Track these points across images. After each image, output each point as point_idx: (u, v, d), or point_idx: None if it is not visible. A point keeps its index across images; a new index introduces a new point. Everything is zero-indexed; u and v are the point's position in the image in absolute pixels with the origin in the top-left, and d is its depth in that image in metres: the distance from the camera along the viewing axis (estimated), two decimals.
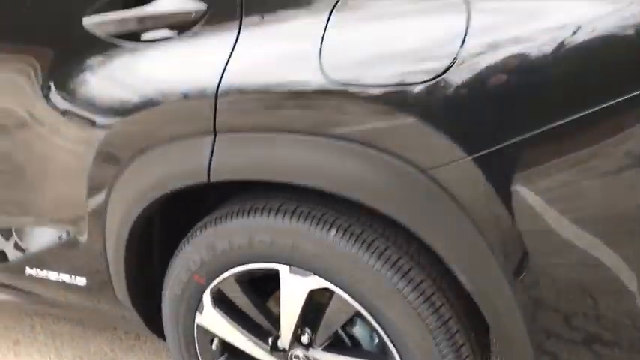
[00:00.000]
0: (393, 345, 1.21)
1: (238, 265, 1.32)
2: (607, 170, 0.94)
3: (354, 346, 1.34)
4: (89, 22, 1.28)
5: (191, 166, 1.25)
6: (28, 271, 1.65)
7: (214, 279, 1.36)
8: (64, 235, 1.54)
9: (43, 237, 1.61)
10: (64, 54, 1.36)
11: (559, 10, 0.93)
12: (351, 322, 1.31)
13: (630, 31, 0.88)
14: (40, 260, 1.62)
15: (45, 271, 1.62)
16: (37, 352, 2.06)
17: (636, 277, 0.97)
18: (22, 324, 2.17)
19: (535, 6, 0.95)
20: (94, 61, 1.32)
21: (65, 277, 1.59)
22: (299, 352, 1.36)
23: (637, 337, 1.02)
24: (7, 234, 1.68)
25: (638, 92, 0.87)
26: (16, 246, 1.67)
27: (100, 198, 1.39)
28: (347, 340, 1.34)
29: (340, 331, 1.33)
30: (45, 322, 2.17)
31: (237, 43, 1.15)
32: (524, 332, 1.08)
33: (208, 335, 1.46)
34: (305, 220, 1.21)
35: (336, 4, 1.06)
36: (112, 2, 1.27)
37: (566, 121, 0.92)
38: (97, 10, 1.27)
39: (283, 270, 1.27)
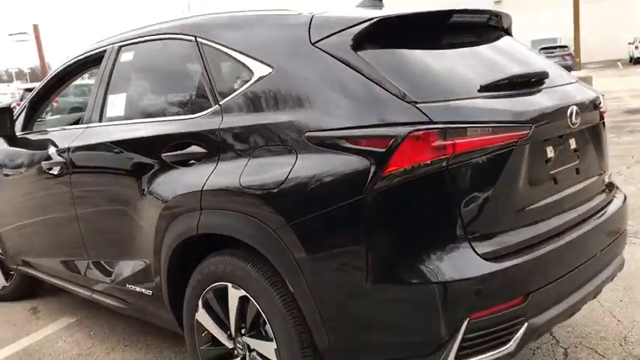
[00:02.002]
0: (270, 324, 2.22)
1: (212, 282, 2.44)
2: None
3: (263, 334, 2.34)
4: (166, 156, 2.58)
5: (191, 225, 2.45)
6: (128, 286, 2.94)
7: (203, 291, 2.49)
8: (144, 264, 2.82)
9: (135, 266, 2.90)
10: (153, 172, 2.67)
11: None
12: (260, 320, 2.33)
13: None
14: (133, 279, 2.91)
15: (134, 286, 2.90)
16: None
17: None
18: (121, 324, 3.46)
19: None
20: (166, 172, 2.61)
21: (143, 290, 2.85)
22: (239, 338, 2.41)
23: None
24: (118, 265, 3.01)
25: None
26: (121, 271, 2.99)
27: (158, 242, 2.63)
28: (262, 331, 2.35)
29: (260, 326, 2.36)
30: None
31: (215, 170, 2.36)
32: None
33: (201, 327, 2.57)
34: (236, 259, 2.32)
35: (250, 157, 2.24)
36: (177, 145, 2.56)
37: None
38: (170, 151, 2.56)
39: (229, 286, 2.37)
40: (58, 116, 4.06)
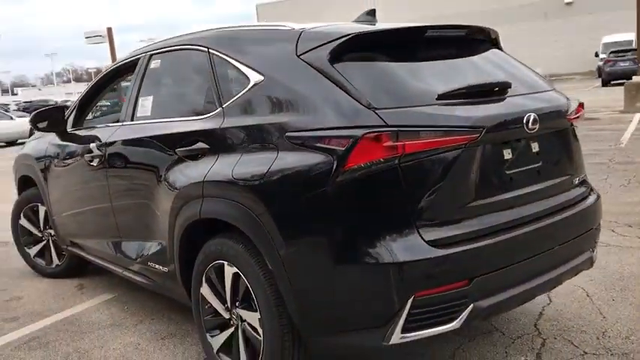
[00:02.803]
0: (255, 297, 2.57)
1: (213, 261, 2.83)
2: None
3: (251, 306, 2.69)
4: (179, 151, 2.99)
5: (195, 210, 2.84)
6: (150, 264, 3.37)
7: (206, 268, 2.88)
8: (161, 245, 3.24)
9: (155, 247, 3.33)
10: (169, 164, 3.08)
11: None
12: (249, 293, 2.69)
13: None
14: (154, 258, 3.33)
15: (156, 264, 3.33)
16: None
17: None
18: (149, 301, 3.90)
19: None
20: (178, 164, 3.02)
21: (161, 267, 3.27)
22: (234, 310, 2.79)
23: None
24: (140, 245, 3.45)
25: None
26: (144, 251, 3.43)
27: (172, 223, 3.04)
28: (251, 303, 2.70)
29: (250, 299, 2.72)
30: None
31: (215, 163, 2.74)
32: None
33: (205, 300, 2.95)
34: (230, 240, 2.69)
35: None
36: (187, 142, 2.95)
37: None
38: (182, 147, 2.96)
39: (225, 264, 2.74)
40: (104, 115, 4.54)
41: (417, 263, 2.21)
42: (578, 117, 2.94)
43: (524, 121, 2.50)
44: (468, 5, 40.80)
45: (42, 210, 4.77)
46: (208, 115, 2.89)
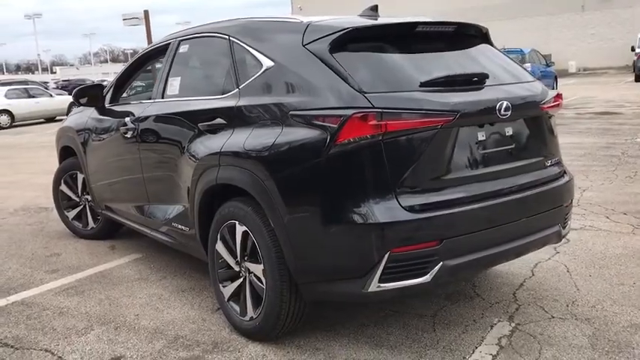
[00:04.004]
0: (260, 251, 3.01)
1: (226, 221, 3.27)
2: None
3: (257, 259, 3.13)
4: (201, 125, 3.44)
5: (212, 177, 3.28)
6: (174, 224, 3.84)
7: (220, 227, 3.33)
8: (184, 208, 3.70)
9: (179, 209, 3.79)
10: (192, 137, 3.53)
11: None
12: (255, 248, 3.12)
13: None
14: (178, 219, 3.80)
15: (179, 225, 3.79)
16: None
17: None
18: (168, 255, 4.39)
19: None
20: (200, 137, 3.47)
21: (184, 228, 3.74)
22: (243, 263, 3.24)
23: None
24: (164, 210, 3.92)
25: None
26: (169, 213, 3.90)
27: (193, 190, 3.49)
28: (257, 257, 3.14)
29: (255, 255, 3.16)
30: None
31: (230, 137, 3.18)
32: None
33: (219, 255, 3.41)
34: (241, 203, 3.13)
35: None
36: (208, 117, 3.40)
37: None
38: (204, 122, 3.40)
39: (237, 223, 3.19)
40: (138, 93, 5.02)
41: (393, 224, 2.62)
42: (554, 106, 3.29)
43: (497, 108, 2.88)
44: None
45: (80, 177, 5.29)
46: (227, 94, 3.33)
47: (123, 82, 4.71)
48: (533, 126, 3.17)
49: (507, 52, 18.12)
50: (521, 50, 18.05)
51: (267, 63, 3.12)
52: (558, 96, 3.37)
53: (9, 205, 7.25)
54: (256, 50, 3.22)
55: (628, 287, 3.75)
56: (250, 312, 3.18)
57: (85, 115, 4.97)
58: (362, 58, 2.92)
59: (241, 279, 3.27)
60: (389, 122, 2.62)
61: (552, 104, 3.27)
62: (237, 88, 3.27)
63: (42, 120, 23.27)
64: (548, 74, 19.33)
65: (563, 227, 3.31)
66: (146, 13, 22.75)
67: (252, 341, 3.21)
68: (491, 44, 3.50)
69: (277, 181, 2.85)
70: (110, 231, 5.30)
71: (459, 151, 2.82)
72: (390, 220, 2.63)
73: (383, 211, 2.64)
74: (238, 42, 3.37)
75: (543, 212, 3.12)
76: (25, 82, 29.31)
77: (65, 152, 5.45)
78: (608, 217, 5.35)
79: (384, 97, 2.69)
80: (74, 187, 5.43)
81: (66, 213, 5.53)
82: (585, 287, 3.79)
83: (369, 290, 2.67)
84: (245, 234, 3.14)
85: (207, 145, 3.34)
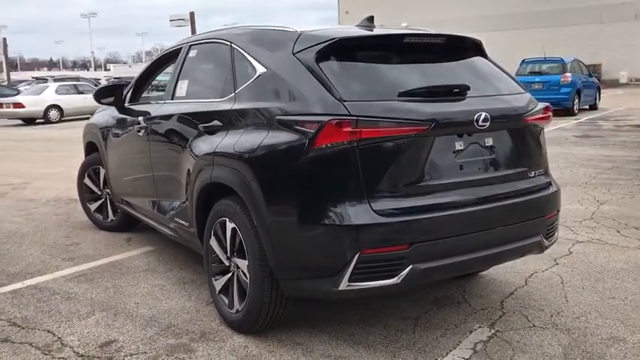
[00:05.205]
0: (245, 248, 3.17)
1: (219, 217, 3.45)
2: None
3: (243, 255, 3.29)
4: (201, 126, 3.63)
5: (207, 175, 3.46)
6: (176, 219, 4.05)
7: (214, 223, 3.51)
8: (183, 204, 3.90)
9: (180, 205, 3.99)
10: (193, 137, 3.72)
11: None
12: (242, 245, 3.29)
13: None
14: (180, 215, 4.00)
15: (181, 220, 4.00)
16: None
17: None
18: (174, 249, 4.60)
19: None
20: (200, 137, 3.66)
21: (184, 223, 3.94)
22: (232, 258, 3.41)
23: None
24: (168, 205, 4.13)
25: None
26: (173, 209, 4.11)
27: (191, 187, 3.69)
28: (243, 253, 3.30)
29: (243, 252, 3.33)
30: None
31: (224, 138, 3.36)
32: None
33: (212, 250, 3.59)
34: (231, 201, 3.30)
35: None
36: (207, 119, 3.59)
37: None
38: (203, 123, 3.59)
39: (228, 220, 3.36)
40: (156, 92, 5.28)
41: (363, 227, 2.75)
42: (541, 119, 3.35)
43: (475, 119, 2.97)
44: (558, 4, 39.71)
45: (102, 172, 5.57)
46: (225, 98, 3.51)
47: (142, 82, 4.95)
48: (517, 137, 3.24)
49: (546, 61, 17.92)
50: (562, 59, 17.69)
51: (260, 69, 3.28)
52: (547, 109, 3.43)
53: (43, 196, 7.64)
54: (253, 57, 3.39)
55: (618, 301, 3.77)
56: (237, 305, 3.34)
57: (107, 114, 5.24)
58: (346, 67, 3.05)
59: (230, 273, 3.44)
60: (363, 129, 2.75)
61: (539, 117, 3.33)
62: (234, 92, 3.44)
63: (89, 116, 24.06)
64: (591, 85, 18.90)
65: (546, 238, 3.36)
66: (192, 14, 23.34)
67: (238, 333, 3.37)
68: (485, 56, 3.58)
69: (260, 181, 3.01)
70: (128, 224, 5.56)
71: (435, 160, 2.92)
72: (361, 223, 2.75)
73: (354, 213, 2.77)
74: (238, 48, 3.55)
75: (522, 222, 3.18)
76: (77, 79, 30.42)
77: (90, 147, 5.75)
78: (618, 232, 5.32)
79: (362, 106, 2.81)
80: (97, 181, 5.72)
81: (88, 205, 5.83)
82: (575, 299, 3.81)
83: (340, 288, 2.80)
84: (234, 231, 3.31)
85: (205, 145, 3.52)
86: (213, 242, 3.53)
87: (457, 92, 3.06)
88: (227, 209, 3.33)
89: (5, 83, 35.96)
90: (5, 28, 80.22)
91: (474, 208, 2.99)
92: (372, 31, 3.46)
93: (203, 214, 3.62)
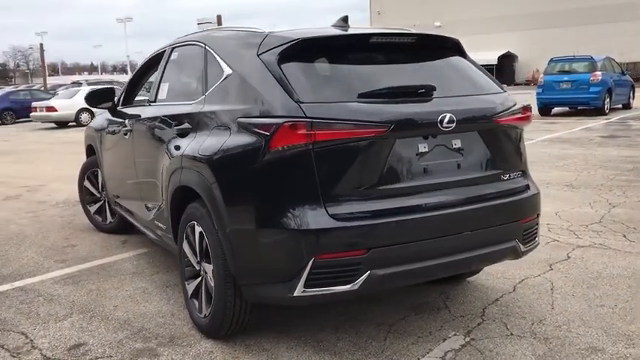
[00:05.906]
0: (210, 252, 3.14)
1: (189, 221, 3.42)
2: None
3: (210, 259, 3.25)
4: (174, 129, 3.61)
5: (177, 179, 3.44)
6: (156, 222, 4.05)
7: (185, 227, 3.49)
8: (160, 206, 3.89)
9: (159, 207, 3.99)
10: (169, 140, 3.71)
11: None
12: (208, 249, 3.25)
13: None
14: (157, 217, 4.00)
15: (160, 223, 3.99)
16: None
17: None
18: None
19: None
20: (173, 140, 3.63)
21: (162, 226, 3.93)
22: (202, 263, 3.37)
23: None
24: (150, 207, 4.13)
25: None
26: (154, 212, 4.10)
27: (165, 189, 3.67)
28: (210, 257, 3.27)
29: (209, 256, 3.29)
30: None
31: (192, 141, 3.33)
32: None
33: (184, 254, 3.56)
34: (199, 205, 3.27)
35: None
36: (180, 121, 3.57)
37: None
38: (176, 125, 3.57)
39: (196, 224, 3.33)
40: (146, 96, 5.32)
41: (317, 231, 2.68)
42: (519, 119, 3.23)
43: (438, 120, 2.87)
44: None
45: (100, 174, 5.63)
46: (195, 100, 3.48)
47: (133, 85, 4.98)
48: (489, 139, 3.13)
49: (576, 60, 17.47)
50: (592, 58, 17.19)
51: (227, 71, 3.25)
52: (526, 109, 3.30)
53: (54, 198, 7.77)
54: (221, 59, 3.36)
55: (606, 309, 3.60)
56: (204, 310, 3.31)
57: (103, 117, 5.29)
58: (307, 68, 2.99)
59: (200, 278, 3.41)
60: (319, 132, 2.68)
61: (514, 117, 3.21)
62: (204, 94, 3.42)
63: None
64: (624, 83, 18.35)
65: (523, 243, 3.23)
66: (219, 17, 23.55)
67: (206, 338, 3.34)
68: (464, 56, 3.46)
69: (220, 185, 2.97)
70: (126, 226, 5.60)
71: (395, 162, 2.83)
72: (315, 227, 2.69)
73: (309, 217, 2.70)
74: (210, 50, 3.52)
75: (493, 227, 3.07)
76: (110, 83, 30.99)
77: (89, 150, 5.81)
78: (624, 236, 5.12)
79: (319, 107, 2.75)
80: (95, 184, 5.79)
81: (88, 207, 5.89)
82: (561, 306, 3.66)
83: (295, 294, 2.74)
84: (201, 235, 3.28)
85: (176, 148, 3.51)
86: (185, 246, 3.51)
87: (422, 93, 2.97)
88: (195, 213, 3.30)
89: (42, 88, 36.91)
90: (46, 34, 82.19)
91: (438, 213, 2.89)
92: (345, 31, 3.38)
93: (177, 218, 3.60)
